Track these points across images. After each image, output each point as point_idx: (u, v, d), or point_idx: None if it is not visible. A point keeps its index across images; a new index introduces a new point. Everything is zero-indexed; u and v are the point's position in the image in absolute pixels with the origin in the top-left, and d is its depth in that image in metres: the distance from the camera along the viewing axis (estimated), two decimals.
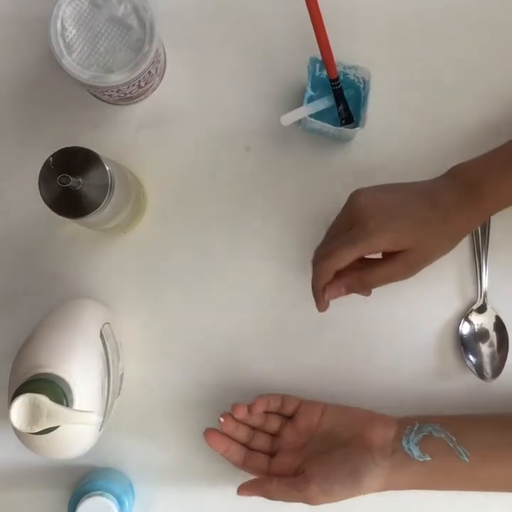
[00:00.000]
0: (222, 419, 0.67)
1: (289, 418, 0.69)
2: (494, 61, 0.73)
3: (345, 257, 0.62)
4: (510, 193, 0.63)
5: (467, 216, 0.63)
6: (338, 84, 0.68)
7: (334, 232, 0.65)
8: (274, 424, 0.69)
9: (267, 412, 0.69)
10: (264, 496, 0.64)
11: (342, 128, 0.69)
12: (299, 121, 0.70)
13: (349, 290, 0.64)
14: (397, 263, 0.63)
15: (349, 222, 0.63)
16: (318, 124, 0.68)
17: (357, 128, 0.68)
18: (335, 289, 0.64)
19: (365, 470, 0.63)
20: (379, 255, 0.65)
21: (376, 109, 0.69)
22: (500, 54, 0.73)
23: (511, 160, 0.64)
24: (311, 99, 0.69)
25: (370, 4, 0.73)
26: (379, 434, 0.65)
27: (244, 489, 0.65)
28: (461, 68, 0.73)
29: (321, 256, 0.64)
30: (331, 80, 0.68)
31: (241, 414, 0.67)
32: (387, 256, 0.63)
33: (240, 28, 0.73)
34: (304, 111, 0.69)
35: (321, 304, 0.65)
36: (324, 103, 0.70)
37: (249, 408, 0.68)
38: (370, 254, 0.63)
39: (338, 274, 0.64)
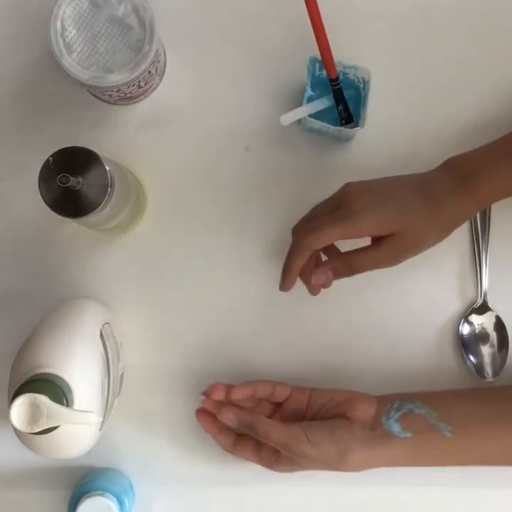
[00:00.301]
0: (202, 397, 0.67)
1: (279, 405, 0.69)
2: (494, 61, 0.73)
3: (326, 236, 0.62)
4: (504, 185, 0.64)
5: (458, 207, 0.63)
6: (338, 84, 0.68)
7: (317, 213, 0.65)
8: (265, 409, 0.69)
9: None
10: (252, 425, 0.64)
11: (342, 128, 0.69)
12: (299, 121, 0.70)
13: (335, 274, 0.64)
14: (384, 248, 0.63)
15: (335, 206, 0.63)
16: (318, 124, 0.68)
17: (357, 128, 0.68)
18: (321, 273, 0.64)
19: (346, 438, 0.63)
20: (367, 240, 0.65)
21: (376, 109, 0.69)
22: (500, 54, 0.73)
23: (507, 152, 0.64)
24: (310, 99, 0.69)
25: (369, 4, 0.73)
26: (360, 412, 0.65)
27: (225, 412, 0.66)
28: (461, 68, 0.73)
29: (300, 232, 0.64)
30: (331, 80, 0.68)
31: (219, 395, 0.67)
32: (375, 241, 0.64)
33: (240, 28, 0.73)
34: (303, 111, 0.69)
35: (288, 282, 0.65)
36: (324, 103, 0.70)
37: (231, 391, 0.67)
38: (353, 237, 0.63)
39: (323, 261, 0.65)
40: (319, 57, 0.67)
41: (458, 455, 0.65)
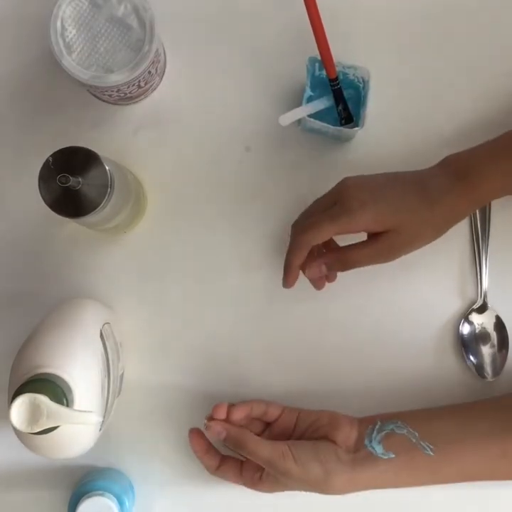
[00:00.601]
0: (209, 424, 0.66)
1: (268, 424, 0.70)
2: (494, 60, 0.73)
3: (324, 232, 0.63)
4: (501, 184, 0.64)
5: (456, 206, 0.64)
6: (338, 84, 0.68)
7: (316, 208, 0.66)
8: (255, 428, 0.69)
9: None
10: (239, 441, 0.64)
11: (341, 128, 0.69)
12: (299, 121, 0.70)
13: (329, 268, 0.65)
14: (380, 244, 0.63)
15: (332, 201, 0.64)
16: (318, 124, 0.68)
17: (356, 128, 0.68)
18: (315, 267, 0.65)
19: (331, 459, 0.64)
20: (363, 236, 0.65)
21: (376, 108, 0.69)
22: (500, 54, 0.73)
23: (505, 149, 0.64)
24: (310, 99, 0.69)
25: (369, 4, 0.73)
26: (343, 435, 0.65)
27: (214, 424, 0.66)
28: (460, 68, 0.73)
29: (299, 229, 0.64)
30: (330, 80, 0.68)
31: (222, 414, 0.67)
32: (370, 236, 0.64)
33: (240, 28, 0.73)
34: (302, 111, 0.69)
35: (289, 279, 0.65)
36: (323, 103, 0.70)
37: (231, 412, 0.67)
38: (350, 232, 0.63)
39: (319, 254, 0.66)
40: (319, 57, 0.67)
41: (441, 474, 0.65)
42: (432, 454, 0.63)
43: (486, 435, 0.64)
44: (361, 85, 0.69)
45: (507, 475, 0.66)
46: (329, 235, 0.63)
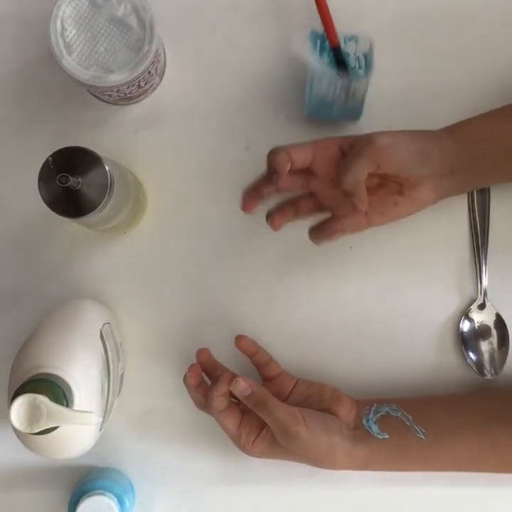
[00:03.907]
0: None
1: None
2: (496, 59, 0.73)
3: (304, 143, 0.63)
4: (487, 135, 0.65)
5: (443, 146, 0.64)
6: (340, 53, 0.68)
7: None
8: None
9: None
10: (262, 399, 0.64)
11: (349, 75, 0.68)
12: (305, 106, 0.70)
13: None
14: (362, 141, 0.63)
15: None
16: (324, 83, 0.67)
17: (362, 78, 0.67)
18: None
19: (336, 431, 0.65)
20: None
21: (377, 105, 0.70)
22: (500, 53, 0.73)
23: (495, 112, 0.66)
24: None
25: (370, 4, 0.73)
26: (345, 411, 0.67)
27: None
28: (461, 65, 0.73)
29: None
30: (333, 49, 0.68)
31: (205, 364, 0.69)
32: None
33: (240, 28, 0.73)
34: (312, 59, 0.68)
35: (251, 201, 0.66)
36: (328, 70, 0.69)
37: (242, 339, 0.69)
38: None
39: None
40: (320, 31, 0.67)
41: (431, 460, 0.66)
42: (423, 437, 0.65)
43: (477, 425, 0.66)
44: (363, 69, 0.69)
45: (495, 467, 0.67)
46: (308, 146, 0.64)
